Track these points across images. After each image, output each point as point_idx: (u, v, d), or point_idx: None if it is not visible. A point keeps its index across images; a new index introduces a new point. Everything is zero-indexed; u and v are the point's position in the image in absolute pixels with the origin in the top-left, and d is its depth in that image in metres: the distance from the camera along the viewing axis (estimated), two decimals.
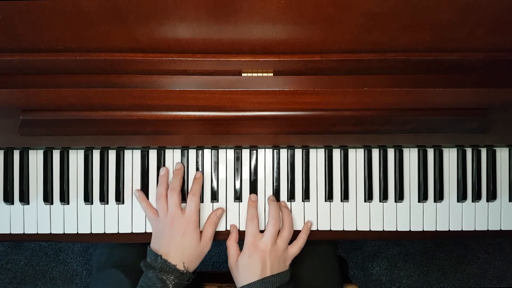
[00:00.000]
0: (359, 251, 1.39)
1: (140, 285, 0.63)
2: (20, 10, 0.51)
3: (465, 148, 0.72)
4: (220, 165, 0.72)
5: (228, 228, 0.71)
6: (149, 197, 0.71)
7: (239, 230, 0.71)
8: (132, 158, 0.71)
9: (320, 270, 0.73)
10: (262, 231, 0.68)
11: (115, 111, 0.63)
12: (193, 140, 0.69)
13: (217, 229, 0.70)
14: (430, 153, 0.72)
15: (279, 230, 0.67)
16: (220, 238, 0.71)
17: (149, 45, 0.58)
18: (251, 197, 0.70)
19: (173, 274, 0.62)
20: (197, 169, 0.71)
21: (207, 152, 0.72)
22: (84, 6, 0.51)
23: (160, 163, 0.71)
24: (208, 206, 0.71)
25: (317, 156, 0.72)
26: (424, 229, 0.72)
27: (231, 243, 0.68)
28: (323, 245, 0.76)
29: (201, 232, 0.68)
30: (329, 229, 0.71)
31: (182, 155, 0.71)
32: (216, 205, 0.71)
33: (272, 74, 0.62)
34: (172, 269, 0.62)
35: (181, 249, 0.64)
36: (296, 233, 0.70)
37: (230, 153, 0.72)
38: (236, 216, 0.71)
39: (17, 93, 0.60)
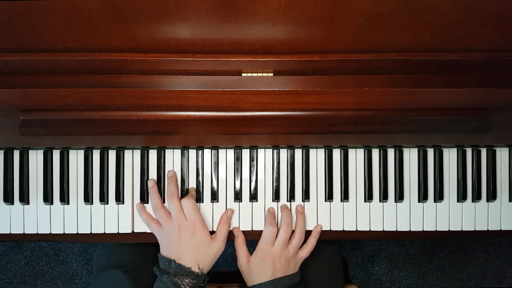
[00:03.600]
0: (359, 251, 1.39)
1: None
2: (20, 10, 0.51)
3: (465, 148, 0.72)
4: (220, 165, 0.72)
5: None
6: (149, 197, 0.71)
7: (239, 229, 0.71)
8: (132, 158, 0.71)
9: (325, 269, 0.73)
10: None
11: (115, 111, 0.63)
12: (193, 140, 0.69)
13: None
14: (430, 153, 0.72)
15: (290, 237, 0.68)
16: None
17: (149, 45, 0.58)
18: (270, 209, 0.71)
19: (188, 277, 0.62)
20: (197, 169, 0.71)
21: (207, 152, 0.72)
22: (84, 6, 0.51)
23: (160, 163, 0.71)
24: (208, 206, 0.71)
25: (317, 156, 0.72)
26: (424, 229, 0.72)
27: (240, 245, 0.69)
28: (329, 245, 0.76)
29: (213, 232, 0.68)
30: (329, 229, 0.71)
31: (182, 155, 0.71)
32: (216, 205, 0.71)
33: (272, 74, 0.62)
34: (187, 272, 0.62)
35: (193, 251, 0.64)
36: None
37: (230, 153, 0.72)
38: (236, 216, 0.71)
39: (17, 93, 0.60)
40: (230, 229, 0.70)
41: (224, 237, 0.68)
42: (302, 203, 0.72)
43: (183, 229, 0.64)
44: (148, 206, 0.71)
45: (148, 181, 0.70)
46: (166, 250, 0.65)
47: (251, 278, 0.66)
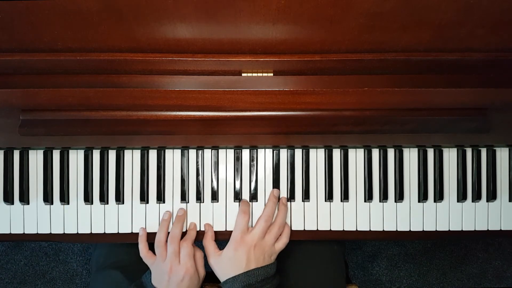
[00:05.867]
0: (359, 251, 1.39)
1: None
2: (20, 10, 0.51)
3: (465, 148, 0.72)
4: (220, 165, 0.72)
5: (228, 229, 0.71)
6: (148, 197, 0.71)
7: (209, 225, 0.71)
8: (132, 158, 0.71)
9: (328, 269, 0.73)
10: None
11: (115, 111, 0.63)
12: (193, 140, 0.69)
13: (218, 229, 0.71)
14: (430, 153, 0.72)
15: (269, 226, 0.67)
16: (220, 238, 0.71)
17: (149, 45, 0.58)
18: (244, 200, 0.71)
19: None
20: (197, 169, 0.71)
21: (207, 152, 0.72)
22: (84, 6, 0.51)
23: (160, 163, 0.71)
24: (208, 206, 0.71)
25: (317, 156, 0.72)
26: (424, 229, 0.72)
27: (208, 242, 0.68)
28: (332, 245, 0.76)
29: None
30: (329, 229, 0.71)
31: (182, 155, 0.71)
32: (216, 205, 0.71)
33: (272, 74, 0.62)
34: None
35: None
36: (293, 233, 0.70)
37: (230, 153, 0.72)
38: (235, 216, 0.71)
39: (17, 93, 0.60)
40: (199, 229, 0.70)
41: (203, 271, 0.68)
42: (302, 203, 0.72)
43: (173, 271, 0.64)
44: (149, 208, 0.71)
45: (164, 213, 0.70)
46: (156, 282, 0.65)
47: (223, 272, 0.65)
